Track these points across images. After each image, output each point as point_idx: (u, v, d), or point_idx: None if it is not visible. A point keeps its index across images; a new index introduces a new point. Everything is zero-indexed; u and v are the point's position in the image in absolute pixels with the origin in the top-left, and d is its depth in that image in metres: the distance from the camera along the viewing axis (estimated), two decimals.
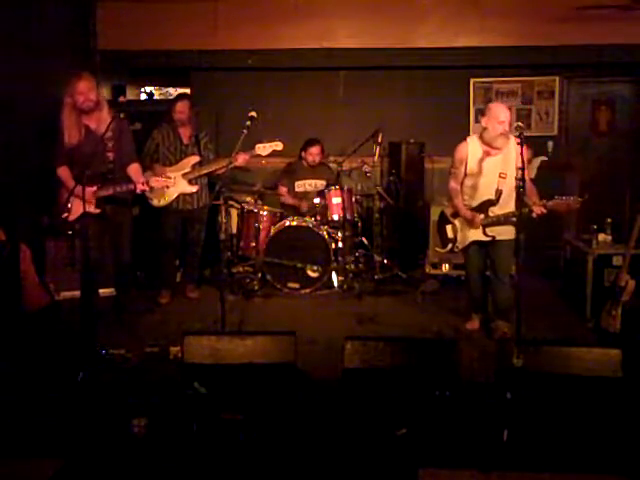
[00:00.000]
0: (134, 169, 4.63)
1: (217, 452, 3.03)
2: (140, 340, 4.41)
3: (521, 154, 3.82)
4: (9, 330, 4.37)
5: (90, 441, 3.12)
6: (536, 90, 6.88)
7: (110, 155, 4.47)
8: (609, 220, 5.12)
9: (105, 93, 7.21)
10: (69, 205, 4.44)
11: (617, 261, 4.79)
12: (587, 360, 3.17)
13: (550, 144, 6.79)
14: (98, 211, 4.48)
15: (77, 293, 5.25)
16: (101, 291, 4.89)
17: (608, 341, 4.34)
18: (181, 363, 3.40)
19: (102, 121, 4.39)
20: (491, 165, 4.38)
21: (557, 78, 6.86)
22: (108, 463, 2.98)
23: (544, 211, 4.17)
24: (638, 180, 6.58)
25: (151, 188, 4.73)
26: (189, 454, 3.01)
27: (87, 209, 4.32)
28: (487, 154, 4.39)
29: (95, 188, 4.43)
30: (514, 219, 4.21)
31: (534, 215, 4.17)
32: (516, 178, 3.98)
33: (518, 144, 3.89)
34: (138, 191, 4.51)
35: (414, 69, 6.83)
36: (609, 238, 5.04)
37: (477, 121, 6.88)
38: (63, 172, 4.50)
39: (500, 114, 4.31)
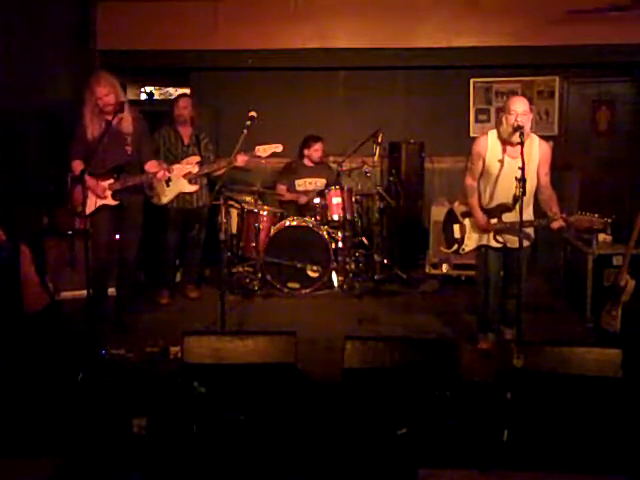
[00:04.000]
0: (152, 165, 4.70)
1: (217, 452, 3.03)
2: (140, 340, 4.41)
3: (521, 154, 3.75)
4: (9, 330, 4.38)
5: (90, 441, 3.12)
6: (536, 90, 6.88)
7: (128, 149, 4.56)
8: (609, 220, 5.10)
9: None
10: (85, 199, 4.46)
11: (617, 261, 4.79)
12: (587, 360, 3.16)
13: (550, 144, 6.78)
14: (115, 203, 4.55)
15: (77, 293, 5.26)
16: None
17: (608, 341, 4.34)
18: (181, 363, 3.40)
19: (123, 118, 4.51)
20: (509, 166, 4.03)
21: (557, 78, 6.86)
22: (108, 463, 2.98)
23: (563, 225, 3.91)
24: (638, 180, 6.58)
25: (167, 180, 4.93)
26: (189, 454, 3.01)
27: (104, 201, 4.53)
28: (505, 153, 4.08)
29: (112, 180, 4.52)
30: (529, 228, 4.04)
31: (553, 227, 3.94)
32: (516, 178, 3.79)
33: (518, 144, 3.83)
34: (160, 177, 4.66)
35: (414, 69, 6.83)
36: (609, 238, 5.04)
37: (477, 121, 6.89)
38: (77, 166, 4.52)
39: (514, 104, 3.98)
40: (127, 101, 4.63)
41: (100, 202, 4.54)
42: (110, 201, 4.54)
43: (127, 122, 4.54)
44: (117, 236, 4.70)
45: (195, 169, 5.02)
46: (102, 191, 4.52)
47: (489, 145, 4.14)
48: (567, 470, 2.87)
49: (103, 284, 4.74)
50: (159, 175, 4.63)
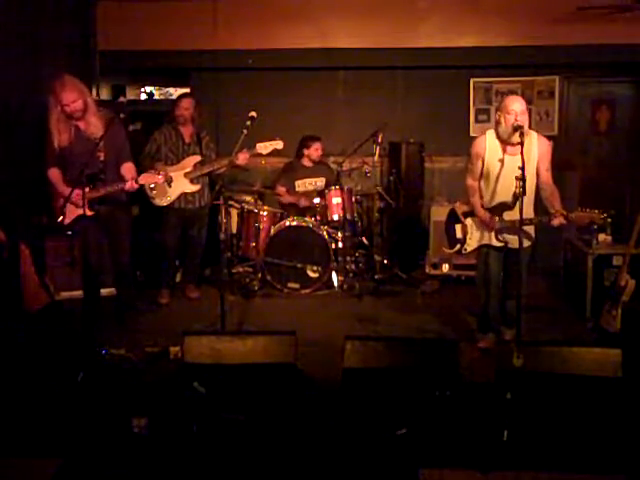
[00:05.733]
0: (127, 168, 4.57)
1: (217, 452, 3.03)
2: (140, 340, 4.41)
3: (521, 154, 3.73)
4: (9, 330, 4.37)
5: (90, 441, 3.12)
6: (536, 90, 6.87)
7: (101, 155, 4.36)
8: (609, 220, 5.10)
9: (105, 93, 7.21)
10: (64, 209, 4.36)
11: (617, 261, 4.79)
12: (587, 360, 3.17)
13: (551, 144, 6.78)
14: (91, 213, 4.38)
15: (77, 293, 5.26)
16: (102, 291, 4.89)
17: (608, 341, 4.33)
18: (181, 363, 3.40)
19: (91, 122, 4.37)
20: (509, 165, 4.03)
21: (557, 78, 6.85)
22: (108, 463, 2.98)
23: (564, 222, 3.89)
24: (638, 180, 6.58)
25: (151, 187, 4.72)
26: (189, 454, 3.01)
27: (81, 211, 4.26)
28: (505, 152, 4.08)
29: (87, 190, 4.28)
30: (530, 226, 4.03)
31: (553, 224, 3.92)
32: (517, 178, 3.76)
33: (518, 143, 3.81)
34: (127, 188, 4.44)
35: (414, 69, 6.82)
36: (609, 238, 5.04)
37: (477, 121, 6.88)
38: (53, 174, 4.46)
39: (511, 104, 3.98)
40: (95, 103, 4.48)
41: (78, 212, 4.34)
42: (87, 211, 4.28)
43: (96, 127, 4.34)
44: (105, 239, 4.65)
45: (161, 179, 4.73)
46: (78, 201, 4.23)
47: (487, 145, 4.15)
48: (567, 470, 2.88)
49: (93, 286, 4.66)
50: (127, 186, 4.41)
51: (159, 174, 4.65)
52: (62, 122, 4.34)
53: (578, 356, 3.19)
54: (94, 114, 4.39)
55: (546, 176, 4.10)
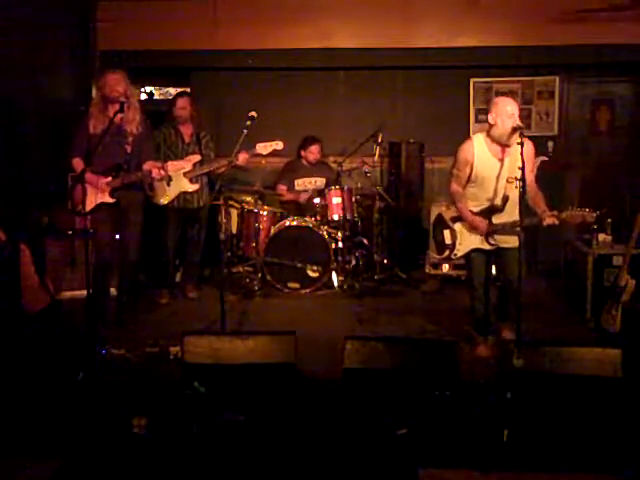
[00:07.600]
0: (150, 165, 4.71)
1: (217, 452, 3.03)
2: (140, 340, 4.40)
3: (521, 154, 3.71)
4: (9, 330, 4.37)
5: (90, 441, 3.12)
6: (536, 90, 6.88)
7: (128, 148, 4.58)
8: (609, 220, 5.11)
9: None
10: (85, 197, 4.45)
11: (617, 261, 4.79)
12: (587, 360, 3.17)
13: (550, 144, 6.79)
14: (113, 200, 4.56)
15: (77, 293, 5.27)
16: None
17: (608, 341, 4.34)
18: (181, 363, 3.41)
19: (127, 116, 4.53)
20: (500, 167, 4.05)
21: (557, 78, 6.86)
22: (108, 463, 2.98)
23: (556, 222, 3.89)
24: (638, 180, 6.58)
25: (168, 180, 5.05)
26: (189, 454, 3.01)
27: (102, 199, 4.54)
28: (495, 155, 4.08)
29: (110, 178, 4.54)
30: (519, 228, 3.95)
31: (544, 225, 3.90)
32: (516, 178, 3.75)
33: (518, 144, 3.80)
34: (155, 175, 4.67)
35: (414, 69, 6.83)
36: (609, 238, 5.04)
37: (477, 121, 6.88)
38: (77, 164, 4.58)
39: (507, 105, 3.98)
40: (135, 101, 4.66)
41: (99, 199, 4.55)
42: (108, 199, 4.56)
43: (134, 122, 4.58)
44: (117, 236, 4.70)
45: (189, 166, 5.10)
46: (101, 188, 4.53)
47: (476, 150, 4.12)
48: (566, 470, 2.88)
49: (104, 283, 4.75)
50: (154, 173, 4.65)
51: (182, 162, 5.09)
52: (100, 109, 4.56)
53: (578, 356, 3.19)
54: (134, 110, 4.58)
55: (530, 178, 4.06)
